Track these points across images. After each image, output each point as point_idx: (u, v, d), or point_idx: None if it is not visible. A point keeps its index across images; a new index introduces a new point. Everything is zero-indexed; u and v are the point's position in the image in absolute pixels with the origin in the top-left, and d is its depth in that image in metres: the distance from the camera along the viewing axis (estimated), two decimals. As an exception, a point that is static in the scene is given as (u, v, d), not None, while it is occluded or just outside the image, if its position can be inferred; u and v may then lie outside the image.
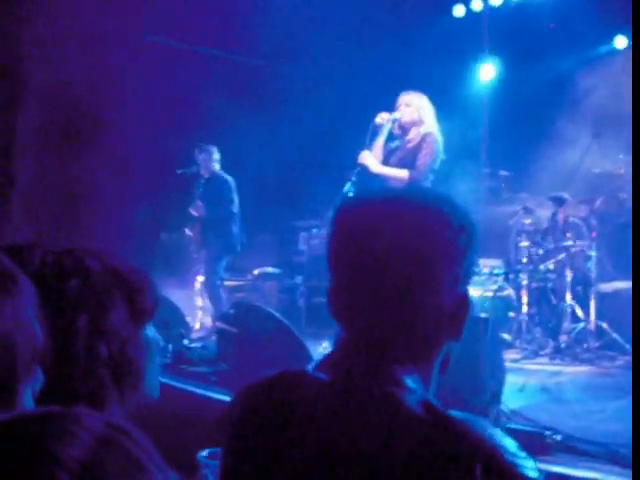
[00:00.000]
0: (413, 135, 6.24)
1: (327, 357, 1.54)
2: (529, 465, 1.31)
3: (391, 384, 1.40)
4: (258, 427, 1.50)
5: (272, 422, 1.48)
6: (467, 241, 1.48)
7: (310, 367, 1.54)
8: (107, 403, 1.64)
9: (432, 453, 1.30)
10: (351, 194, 5.91)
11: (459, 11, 11.04)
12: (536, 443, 4.07)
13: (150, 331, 1.78)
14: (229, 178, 8.97)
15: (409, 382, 1.41)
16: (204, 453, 2.41)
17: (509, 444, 1.32)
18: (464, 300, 1.51)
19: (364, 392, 1.40)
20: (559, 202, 8.08)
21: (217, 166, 9.05)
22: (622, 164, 9.10)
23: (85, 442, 1.05)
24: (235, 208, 8.91)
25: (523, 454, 1.32)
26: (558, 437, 4.23)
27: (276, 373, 1.57)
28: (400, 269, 1.42)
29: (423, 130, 6.20)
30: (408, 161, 6.13)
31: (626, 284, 8.11)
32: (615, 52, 10.49)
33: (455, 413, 1.36)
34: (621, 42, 10.49)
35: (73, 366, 1.58)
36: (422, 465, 1.29)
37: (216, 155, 9.04)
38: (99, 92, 9.62)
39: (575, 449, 4.19)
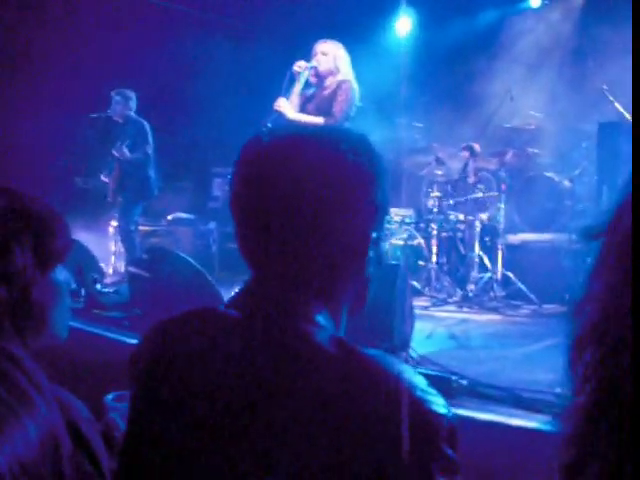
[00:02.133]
0: (329, 83, 6.27)
1: (237, 295, 1.51)
2: (439, 401, 1.31)
3: (301, 320, 1.40)
4: (168, 365, 1.47)
5: (182, 359, 1.46)
6: (372, 179, 1.47)
7: (220, 306, 1.52)
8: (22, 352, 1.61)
9: (343, 388, 1.29)
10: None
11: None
12: (443, 387, 4.14)
13: (60, 274, 1.74)
14: (144, 121, 8.80)
15: (320, 319, 1.42)
16: (110, 396, 2.38)
17: (419, 381, 1.33)
18: (373, 241, 1.50)
19: (274, 328, 1.40)
20: (471, 151, 8.20)
21: (132, 110, 8.86)
22: (532, 120, 9.28)
23: None
24: (151, 152, 8.77)
25: (433, 391, 1.33)
26: (464, 382, 4.30)
27: (185, 311, 1.54)
28: (306, 208, 1.41)
29: (339, 78, 6.23)
30: (324, 109, 6.16)
31: (532, 236, 8.33)
32: (530, 10, 10.62)
33: (365, 350, 1.35)
34: (536, 0, 10.62)
35: None
36: (334, 400, 1.29)
37: (132, 99, 8.85)
38: (6, 35, 9.39)
39: (480, 393, 4.27)
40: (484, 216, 8.16)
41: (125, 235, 8.70)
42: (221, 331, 1.44)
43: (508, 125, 9.31)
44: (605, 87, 8.32)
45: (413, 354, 5.03)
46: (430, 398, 1.30)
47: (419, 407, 1.28)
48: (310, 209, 1.41)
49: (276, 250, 1.44)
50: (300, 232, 1.42)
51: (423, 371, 4.55)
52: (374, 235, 1.51)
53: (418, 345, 5.31)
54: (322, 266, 1.46)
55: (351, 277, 1.52)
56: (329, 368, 1.32)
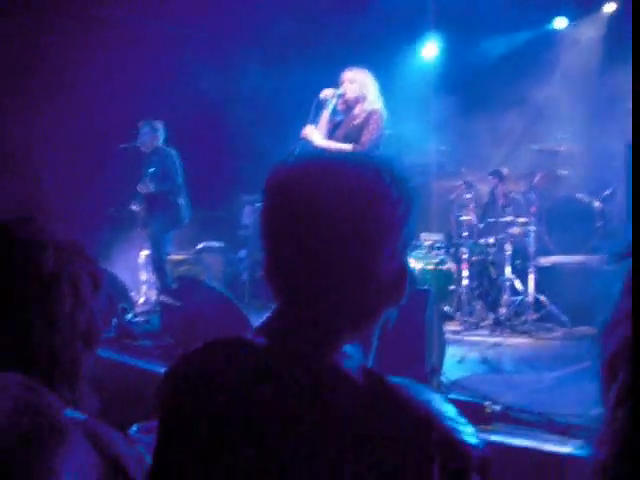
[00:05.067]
0: (358, 112, 6.25)
1: (265, 322, 1.49)
2: (468, 431, 1.29)
3: (329, 350, 1.38)
4: (195, 396, 1.46)
5: (207, 389, 1.44)
6: (405, 213, 1.44)
7: (248, 334, 1.49)
8: (82, 373, 1.64)
9: (370, 419, 1.28)
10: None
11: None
12: (475, 413, 4.11)
13: None
14: (172, 151, 8.84)
15: (348, 348, 1.40)
16: (135, 428, 2.36)
17: (448, 410, 1.31)
18: (403, 270, 1.47)
19: (302, 357, 1.38)
20: (498, 176, 8.20)
21: (160, 140, 8.90)
22: (561, 141, 9.24)
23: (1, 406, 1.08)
24: (180, 180, 8.79)
25: (462, 420, 1.30)
26: (497, 407, 4.27)
27: (212, 340, 1.52)
28: (337, 240, 1.37)
29: (368, 107, 6.21)
30: (353, 137, 6.13)
31: (564, 258, 8.26)
32: (555, 32, 10.61)
33: (394, 379, 1.34)
34: (561, 22, 10.62)
35: (55, 336, 1.57)
36: (360, 431, 1.28)
37: (160, 130, 8.88)
38: (40, 65, 9.52)
39: (513, 418, 4.25)
40: (515, 233, 8.10)
41: (156, 264, 8.70)
42: (248, 360, 1.42)
43: (536, 147, 9.25)
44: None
45: (444, 380, 5.02)
46: (460, 427, 1.29)
47: (449, 437, 1.26)
48: (350, 244, 1.38)
49: (306, 278, 1.41)
50: (337, 266, 1.39)
51: (455, 397, 4.52)
52: (406, 265, 1.49)
53: (450, 370, 5.30)
54: (356, 300, 1.43)
55: (384, 309, 1.49)
56: (357, 398, 1.30)
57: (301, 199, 1.41)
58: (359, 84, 6.27)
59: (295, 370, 1.37)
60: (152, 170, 8.74)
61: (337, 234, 1.37)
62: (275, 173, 1.49)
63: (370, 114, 6.16)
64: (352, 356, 1.39)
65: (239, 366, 1.43)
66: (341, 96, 6.28)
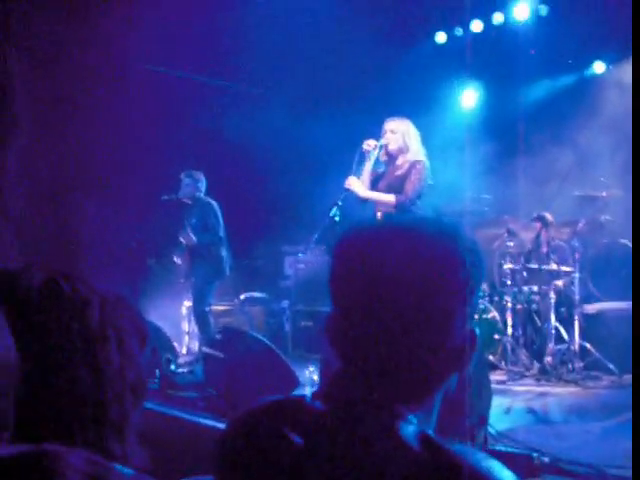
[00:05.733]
0: (401, 162, 6.29)
1: (323, 386, 1.49)
2: None
3: (391, 417, 1.36)
4: (253, 456, 1.45)
5: (267, 451, 1.43)
6: (477, 279, 1.44)
7: (306, 396, 1.48)
8: (131, 427, 1.65)
9: None
10: (337, 218, 5.95)
11: (441, 38, 11.19)
12: (524, 465, 4.06)
13: None
14: (213, 202, 8.92)
15: (409, 415, 1.37)
16: None
17: (508, 478, 1.28)
18: (472, 335, 1.44)
19: (360, 424, 1.36)
20: (543, 221, 8.15)
21: (201, 191, 8.99)
22: (603, 187, 9.20)
23: None
24: (222, 232, 8.85)
25: None
26: (546, 459, 4.22)
27: (272, 400, 1.51)
28: (409, 308, 1.36)
29: (411, 157, 6.25)
30: (396, 187, 6.18)
31: (609, 305, 8.18)
32: (595, 77, 10.62)
33: (453, 446, 1.30)
34: (600, 67, 10.64)
35: (105, 392, 1.55)
36: None
37: (201, 181, 8.98)
38: (84, 118, 9.67)
39: (563, 470, 4.19)
40: (559, 283, 8.06)
41: (199, 315, 8.72)
42: (307, 425, 1.42)
43: (578, 193, 9.22)
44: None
45: (491, 431, 4.96)
46: None
47: None
48: (423, 313, 1.37)
49: (375, 345, 1.39)
50: (407, 334, 1.38)
51: (502, 449, 4.47)
52: (475, 330, 1.46)
53: (496, 421, 5.24)
54: (424, 368, 1.41)
55: (451, 374, 1.47)
56: (415, 467, 1.28)
57: (374, 266, 1.39)
58: (402, 134, 6.31)
59: (355, 437, 1.35)
60: (194, 221, 8.83)
61: (409, 302, 1.36)
62: (347, 238, 1.49)
63: (413, 164, 6.20)
64: (412, 421, 1.37)
65: (299, 431, 1.41)
66: (383, 147, 6.31)
